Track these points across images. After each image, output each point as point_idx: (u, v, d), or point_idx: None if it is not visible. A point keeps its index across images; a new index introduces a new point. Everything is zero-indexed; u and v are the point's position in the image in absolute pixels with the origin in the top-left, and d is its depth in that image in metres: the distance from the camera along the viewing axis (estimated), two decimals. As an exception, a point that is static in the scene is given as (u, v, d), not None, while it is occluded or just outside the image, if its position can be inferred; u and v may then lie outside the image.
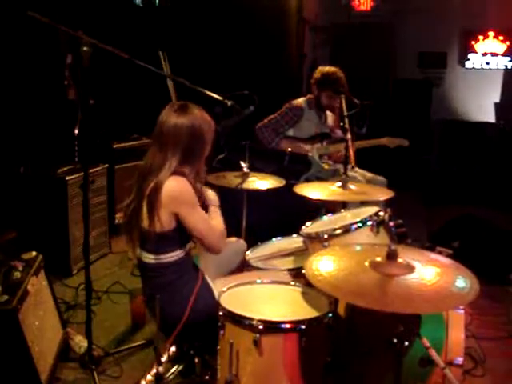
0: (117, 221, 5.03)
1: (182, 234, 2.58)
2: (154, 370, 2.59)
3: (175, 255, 2.60)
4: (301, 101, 4.73)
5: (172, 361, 2.93)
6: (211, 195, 2.89)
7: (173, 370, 2.94)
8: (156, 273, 2.62)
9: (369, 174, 4.71)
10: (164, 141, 2.56)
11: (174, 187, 2.50)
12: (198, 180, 2.73)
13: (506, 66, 8.24)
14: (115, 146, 5.25)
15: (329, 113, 4.83)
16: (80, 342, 3.25)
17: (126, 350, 3.31)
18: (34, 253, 3.20)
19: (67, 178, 4.28)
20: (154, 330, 3.01)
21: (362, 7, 8.67)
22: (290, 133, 4.69)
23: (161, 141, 2.58)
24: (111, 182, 5.02)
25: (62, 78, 4.73)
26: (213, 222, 2.71)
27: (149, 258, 2.62)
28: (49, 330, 3.07)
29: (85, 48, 2.75)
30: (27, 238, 4.14)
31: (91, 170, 4.41)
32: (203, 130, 2.61)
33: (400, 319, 2.10)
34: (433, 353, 2.21)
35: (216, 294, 2.59)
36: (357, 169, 4.21)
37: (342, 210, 3.42)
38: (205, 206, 2.74)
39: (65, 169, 4.42)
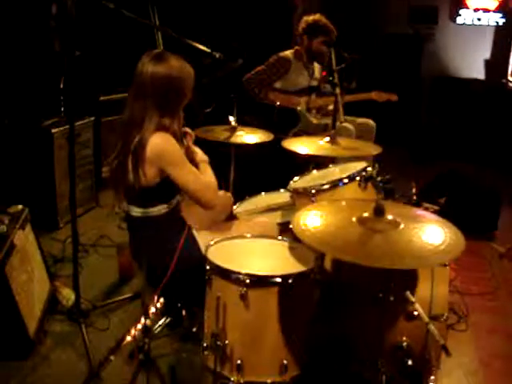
0: (104, 174, 5.00)
1: (167, 189, 2.56)
2: (142, 323, 2.60)
3: (162, 209, 2.59)
4: (288, 53, 4.65)
5: (159, 313, 2.95)
6: (199, 152, 2.87)
7: (160, 322, 2.97)
8: (143, 226, 2.62)
9: (358, 119, 4.71)
10: (142, 91, 2.49)
11: (159, 145, 2.45)
12: (180, 128, 2.68)
13: (497, 22, 8.15)
14: (101, 99, 5.18)
15: (316, 65, 4.77)
16: (68, 295, 3.26)
17: (113, 303, 3.33)
18: (19, 206, 3.17)
19: (53, 131, 4.22)
20: (141, 282, 3.02)
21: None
22: (278, 85, 4.62)
23: (138, 91, 2.50)
24: (97, 135, 4.96)
25: (47, 28, 4.62)
26: (206, 178, 2.69)
27: (136, 211, 2.61)
28: (36, 283, 3.07)
29: (70, -3, 2.69)
30: (13, 192, 4.09)
31: (77, 123, 4.35)
32: (181, 77, 2.53)
33: (386, 274, 2.12)
34: (417, 307, 2.23)
35: (202, 246, 2.59)
36: (345, 123, 4.21)
37: (330, 165, 3.42)
38: (194, 164, 2.72)
39: (50, 121, 4.35)
